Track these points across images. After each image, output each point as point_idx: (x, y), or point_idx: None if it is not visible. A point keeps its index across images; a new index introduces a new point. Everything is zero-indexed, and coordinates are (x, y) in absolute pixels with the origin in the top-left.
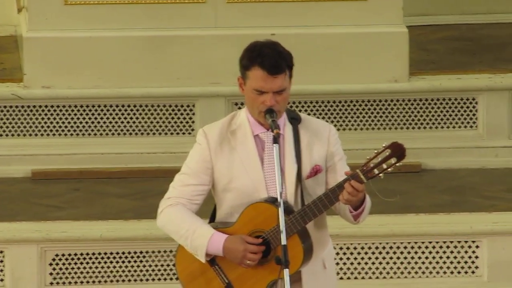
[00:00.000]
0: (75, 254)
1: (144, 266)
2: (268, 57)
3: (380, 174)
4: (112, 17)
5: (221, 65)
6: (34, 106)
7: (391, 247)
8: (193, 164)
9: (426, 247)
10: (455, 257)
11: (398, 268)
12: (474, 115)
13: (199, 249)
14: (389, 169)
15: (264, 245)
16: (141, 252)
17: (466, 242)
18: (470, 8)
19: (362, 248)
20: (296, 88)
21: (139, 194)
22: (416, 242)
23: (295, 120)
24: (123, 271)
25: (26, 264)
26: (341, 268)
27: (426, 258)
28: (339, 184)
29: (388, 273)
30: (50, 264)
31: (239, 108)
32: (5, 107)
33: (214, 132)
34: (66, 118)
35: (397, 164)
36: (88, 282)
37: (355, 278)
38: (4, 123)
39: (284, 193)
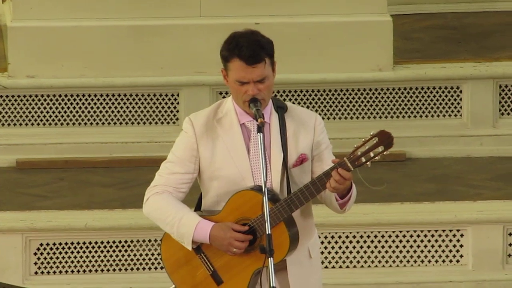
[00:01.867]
0: (60, 244)
1: (129, 255)
2: (245, 48)
3: (368, 163)
4: (97, 6)
5: (206, 54)
6: (19, 96)
7: (375, 236)
8: (179, 152)
9: (411, 236)
10: (439, 246)
11: (383, 257)
12: (458, 103)
13: (185, 236)
14: (376, 158)
15: (251, 234)
16: (125, 242)
17: (450, 230)
18: None
19: (347, 237)
20: (281, 77)
21: (124, 183)
22: (400, 231)
23: (281, 109)
24: (108, 261)
25: (11, 253)
26: (325, 257)
27: (411, 247)
28: (326, 172)
29: (373, 262)
30: (35, 254)
31: (224, 97)
32: None
33: (200, 120)
34: (51, 108)
35: (384, 153)
36: (73, 271)
37: (340, 267)
38: None
39: (270, 181)
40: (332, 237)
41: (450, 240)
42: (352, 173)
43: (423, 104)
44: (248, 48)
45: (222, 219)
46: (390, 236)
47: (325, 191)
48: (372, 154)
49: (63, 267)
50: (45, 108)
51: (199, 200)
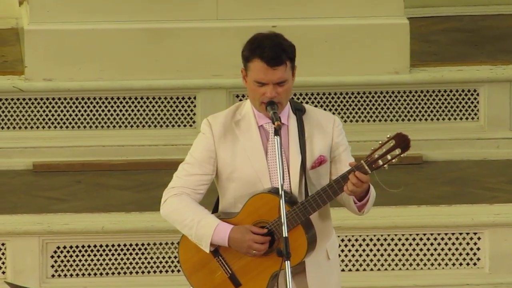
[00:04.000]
0: (77, 247)
1: (146, 258)
2: (268, 49)
3: (385, 165)
4: (113, 9)
5: (222, 57)
6: (36, 99)
7: (392, 239)
8: (197, 154)
9: (428, 239)
10: (456, 249)
11: (400, 260)
12: (475, 106)
13: (203, 239)
14: (393, 160)
15: (269, 236)
16: (143, 244)
17: (467, 234)
18: None
19: (364, 240)
20: (298, 80)
21: (141, 186)
22: (417, 234)
23: (299, 111)
24: (125, 264)
25: (27, 256)
26: (342, 260)
27: (428, 250)
28: (343, 175)
29: (389, 265)
30: (52, 257)
31: (240, 100)
32: (6, 99)
33: (219, 122)
34: (68, 111)
35: (401, 156)
36: (89, 274)
37: (357, 270)
38: (6, 115)
39: (288, 183)
40: (349, 240)
41: (467, 243)
42: (369, 175)
43: (440, 107)
44: (271, 49)
45: (240, 222)
46: (407, 239)
47: (343, 194)
48: (389, 157)
49: (80, 270)
50: (62, 111)
51: (216, 202)
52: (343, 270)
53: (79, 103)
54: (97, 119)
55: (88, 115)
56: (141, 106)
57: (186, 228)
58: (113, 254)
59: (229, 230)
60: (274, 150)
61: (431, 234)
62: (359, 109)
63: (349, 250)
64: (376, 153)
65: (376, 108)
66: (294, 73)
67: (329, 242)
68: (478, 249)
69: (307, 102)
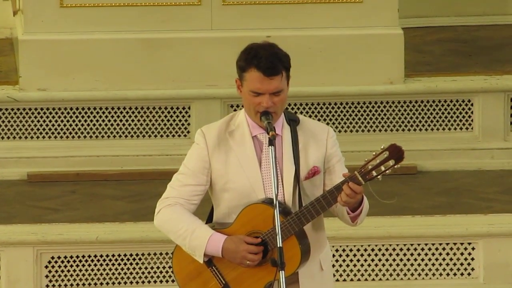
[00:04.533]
0: (71, 257)
1: (140, 268)
2: (264, 59)
3: (378, 176)
4: (108, 19)
5: (217, 67)
6: (30, 109)
7: (387, 249)
8: (191, 164)
9: (422, 249)
10: (451, 259)
11: (394, 270)
12: (469, 117)
13: (197, 249)
14: (387, 171)
15: (262, 246)
16: (137, 255)
17: (462, 244)
18: (465, 9)
19: (358, 250)
20: (292, 90)
21: (136, 196)
22: (412, 244)
23: (293, 122)
24: (119, 274)
25: (22, 266)
26: (337, 270)
27: (422, 260)
28: (337, 185)
29: (384, 275)
30: (46, 267)
31: (235, 110)
32: (0, 109)
33: (213, 133)
34: (62, 121)
35: (395, 167)
36: (84, 284)
37: (351, 280)
38: (0, 125)
39: (281, 194)
40: (344, 250)
41: (462, 253)
42: (363, 186)
43: (434, 117)
44: (267, 59)
45: (234, 232)
46: (401, 249)
47: (336, 205)
48: (383, 168)
49: (74, 280)
50: (56, 121)
51: (211, 212)
52: (337, 280)
53: (74, 113)
54: (91, 129)
55: (82, 125)
56: (136, 116)
57: (180, 239)
58: (107, 264)
59: (223, 241)
60: (268, 160)
61: (426, 244)
62: (353, 119)
63: (344, 260)
64: (370, 164)
65: (371, 118)
66: (289, 83)
67: (322, 253)
68: (473, 259)
69: (301, 112)
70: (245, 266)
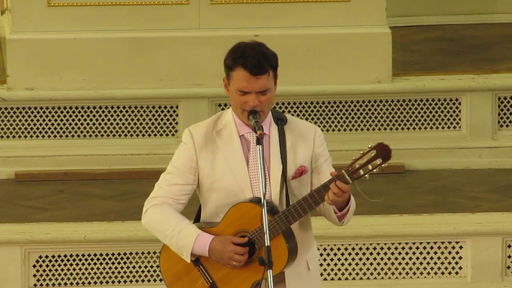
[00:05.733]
0: (59, 256)
1: (128, 267)
2: (251, 58)
3: (366, 175)
4: (95, 18)
5: (205, 66)
6: (18, 108)
7: (374, 248)
8: (178, 164)
9: (410, 248)
10: (438, 258)
11: (382, 269)
12: (457, 115)
13: (184, 248)
14: (374, 170)
15: (249, 246)
16: (125, 254)
17: (449, 242)
18: (453, 8)
19: (346, 249)
20: (280, 89)
21: (123, 195)
22: (399, 243)
23: (280, 121)
24: (107, 273)
25: (9, 266)
26: (324, 269)
27: (410, 259)
28: (324, 184)
29: (372, 274)
30: (34, 266)
31: (223, 109)
32: None
33: (200, 132)
34: (50, 120)
35: (382, 165)
36: (72, 283)
37: (339, 279)
38: None
39: (269, 193)
40: (331, 249)
41: (449, 252)
42: (350, 185)
43: (422, 116)
44: (254, 58)
45: (221, 231)
46: (389, 248)
47: (324, 204)
48: (370, 167)
49: (62, 279)
50: (44, 120)
51: (198, 212)
52: (325, 279)
53: (61, 112)
54: (79, 128)
55: (70, 124)
56: (123, 115)
57: (167, 238)
58: (95, 263)
59: (210, 241)
60: (255, 160)
61: (413, 243)
62: (341, 118)
63: (331, 259)
64: (357, 162)
65: (358, 117)
66: (276, 82)
67: (309, 253)
68: (460, 258)
69: (289, 111)
70: (231, 267)
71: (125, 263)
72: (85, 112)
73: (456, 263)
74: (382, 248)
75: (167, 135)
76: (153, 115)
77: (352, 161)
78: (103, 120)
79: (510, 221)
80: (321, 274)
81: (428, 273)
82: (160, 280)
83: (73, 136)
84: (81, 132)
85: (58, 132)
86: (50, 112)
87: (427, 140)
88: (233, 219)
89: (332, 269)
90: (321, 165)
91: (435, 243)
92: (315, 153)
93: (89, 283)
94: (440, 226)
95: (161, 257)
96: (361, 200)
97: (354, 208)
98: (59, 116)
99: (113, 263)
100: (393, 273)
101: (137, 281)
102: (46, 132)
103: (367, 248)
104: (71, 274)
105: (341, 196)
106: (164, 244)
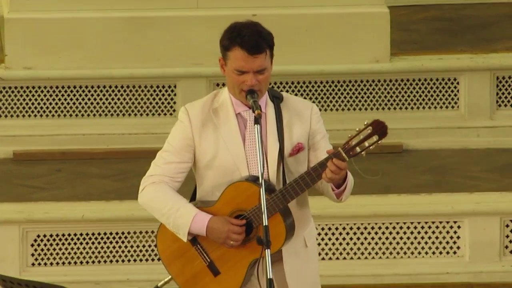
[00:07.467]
0: (57, 235)
1: (126, 247)
2: (248, 37)
3: (362, 152)
4: None
5: (203, 46)
6: (16, 87)
7: (372, 228)
8: (175, 142)
9: (408, 228)
10: (436, 238)
11: (380, 248)
12: (455, 95)
13: (181, 227)
14: (371, 147)
15: (247, 225)
16: (122, 233)
17: (447, 222)
18: None
19: (344, 228)
20: (277, 68)
21: (122, 175)
22: (397, 223)
23: (277, 99)
24: (105, 252)
25: (8, 245)
26: (322, 249)
27: (408, 238)
28: (321, 162)
29: (369, 253)
30: (32, 245)
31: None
32: None
33: (196, 110)
34: (48, 99)
35: (379, 142)
36: (69, 263)
37: (337, 258)
38: None
39: (266, 171)
40: (329, 228)
41: (447, 232)
42: (347, 163)
43: (420, 96)
44: (251, 38)
45: (218, 210)
46: (387, 228)
47: (321, 181)
48: (366, 144)
49: (60, 258)
50: (42, 99)
51: (195, 190)
52: (323, 259)
53: (59, 91)
54: (77, 107)
55: (68, 103)
56: (121, 95)
57: (164, 217)
58: (93, 243)
59: (208, 220)
60: (252, 138)
61: (411, 223)
62: (339, 97)
63: (329, 239)
64: (354, 140)
65: (357, 97)
66: (272, 61)
67: (307, 230)
68: (458, 237)
69: (287, 91)
70: (229, 247)
71: (123, 242)
72: (83, 91)
73: (454, 242)
74: (380, 228)
75: (165, 114)
76: (151, 95)
77: (348, 138)
78: (101, 99)
79: (508, 200)
80: (319, 254)
81: (426, 253)
82: (158, 259)
83: (71, 115)
84: (79, 111)
85: (56, 112)
86: (48, 92)
87: (425, 119)
88: (229, 198)
89: (330, 249)
90: (318, 142)
91: (433, 222)
92: (312, 130)
93: (87, 262)
94: (438, 205)
95: (158, 236)
96: (359, 180)
97: (352, 184)
98: (57, 95)
99: (111, 243)
100: (391, 253)
101: (135, 260)
102: (44, 112)
103: (365, 228)
104: (69, 253)
105: (338, 174)
106: (161, 224)
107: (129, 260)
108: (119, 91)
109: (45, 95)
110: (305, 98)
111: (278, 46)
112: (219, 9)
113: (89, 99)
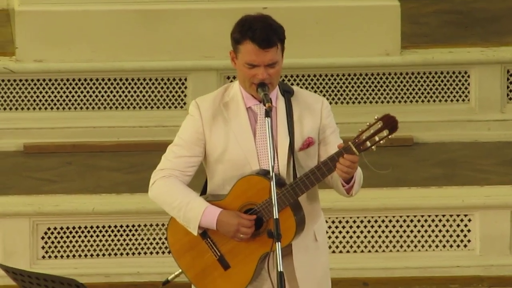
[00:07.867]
0: (67, 228)
1: (136, 239)
2: (259, 31)
3: (373, 147)
4: None
5: (213, 38)
6: (26, 80)
7: (383, 221)
8: (186, 136)
9: (418, 221)
10: (447, 231)
11: (390, 241)
12: (466, 88)
13: (192, 221)
14: (381, 142)
15: (256, 219)
16: (133, 226)
17: (458, 215)
18: None
19: (354, 221)
20: (288, 61)
21: (132, 167)
22: (408, 216)
23: (287, 93)
24: (116, 245)
25: (18, 238)
26: (333, 242)
27: (418, 231)
28: (331, 157)
29: (380, 246)
30: (42, 238)
31: (231, 81)
32: None
33: (207, 104)
34: (58, 92)
35: (389, 137)
36: (80, 255)
37: (347, 252)
38: None
39: (276, 165)
40: (340, 221)
41: (458, 225)
42: (357, 157)
43: (430, 89)
44: (262, 31)
45: (228, 204)
46: (397, 221)
47: (332, 176)
48: (377, 138)
49: (70, 251)
50: (52, 92)
51: (205, 184)
52: (333, 252)
53: (70, 84)
54: (87, 100)
55: (79, 96)
56: (132, 88)
57: (175, 211)
58: (103, 236)
59: (218, 213)
60: (262, 132)
61: (422, 216)
62: (349, 91)
63: (340, 232)
64: (364, 134)
65: (367, 90)
66: (283, 55)
67: (317, 224)
68: (469, 231)
69: (297, 84)
70: (239, 240)
71: (133, 235)
72: (94, 84)
73: (465, 236)
74: (390, 221)
75: (175, 107)
76: (162, 88)
77: (358, 132)
78: (111, 92)
79: None
80: (329, 247)
81: (437, 246)
82: (169, 252)
83: (81, 108)
84: (90, 104)
85: (66, 104)
86: (58, 84)
87: (435, 113)
88: (240, 192)
89: (340, 242)
90: (328, 137)
91: (443, 216)
92: (322, 125)
93: (97, 255)
94: (449, 199)
95: (168, 230)
96: (369, 173)
97: (361, 178)
98: (67, 88)
99: (121, 235)
100: (401, 246)
101: (145, 253)
102: (55, 104)
103: (376, 221)
104: (79, 246)
105: (353, 168)
106: (171, 217)
107: (139, 253)
108: (129, 84)
109: (55, 88)
110: (315, 91)
111: (289, 39)
112: (230, 1)
113: (99, 92)
